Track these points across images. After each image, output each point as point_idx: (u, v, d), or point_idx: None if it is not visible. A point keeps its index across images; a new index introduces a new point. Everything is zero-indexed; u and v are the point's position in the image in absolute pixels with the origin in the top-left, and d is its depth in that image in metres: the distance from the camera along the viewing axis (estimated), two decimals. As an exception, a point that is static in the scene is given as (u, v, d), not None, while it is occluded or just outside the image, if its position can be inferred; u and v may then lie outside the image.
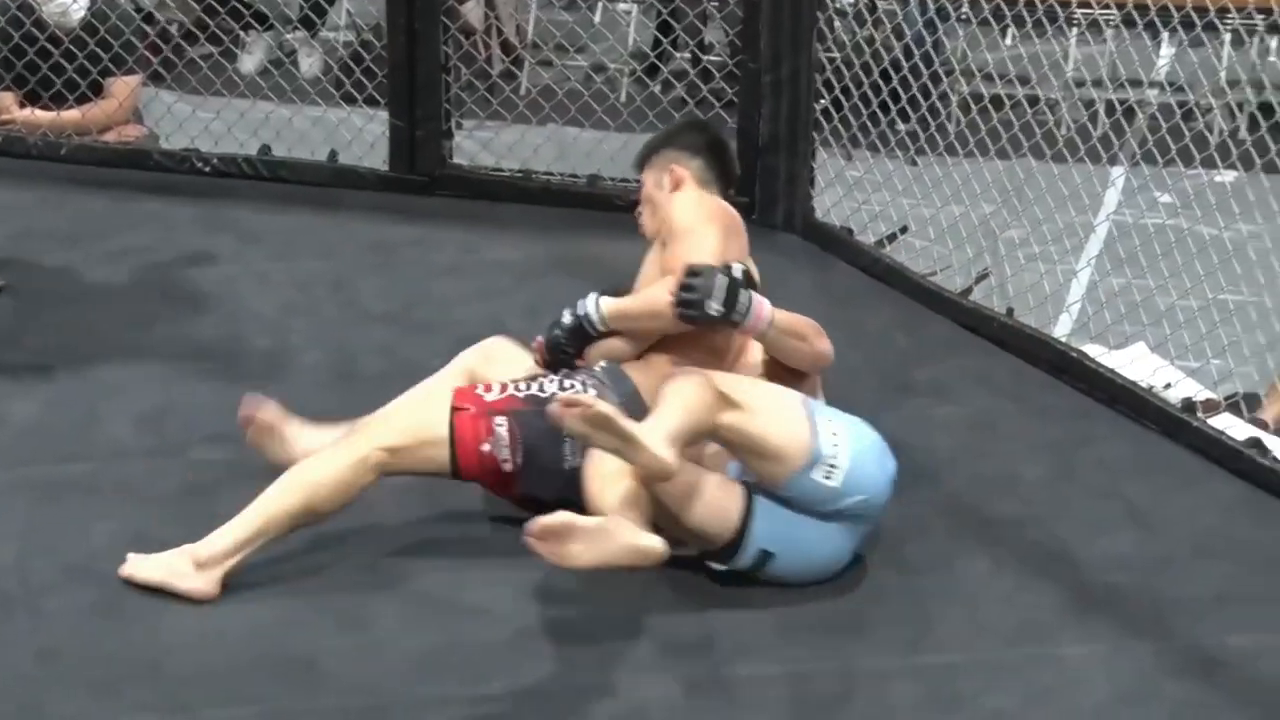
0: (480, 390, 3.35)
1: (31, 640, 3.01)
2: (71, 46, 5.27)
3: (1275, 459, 3.61)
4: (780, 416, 3.09)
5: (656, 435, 2.91)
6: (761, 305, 3.29)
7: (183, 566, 3.13)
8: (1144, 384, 3.94)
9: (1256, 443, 3.66)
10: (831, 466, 3.08)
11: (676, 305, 3.28)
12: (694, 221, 3.45)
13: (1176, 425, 3.80)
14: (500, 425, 3.27)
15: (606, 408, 2.89)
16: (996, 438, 3.83)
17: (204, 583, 3.12)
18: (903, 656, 3.04)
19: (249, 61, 6.60)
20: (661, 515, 3.05)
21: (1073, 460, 3.73)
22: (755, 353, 3.49)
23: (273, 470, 3.54)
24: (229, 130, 5.30)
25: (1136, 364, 4.02)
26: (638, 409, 3.16)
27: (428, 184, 5.13)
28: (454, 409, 3.29)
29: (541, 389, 3.33)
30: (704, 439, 3.06)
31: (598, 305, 3.45)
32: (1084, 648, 3.08)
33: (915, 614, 3.17)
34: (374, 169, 5.17)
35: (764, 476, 3.10)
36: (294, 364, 4.07)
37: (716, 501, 3.10)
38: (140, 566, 3.16)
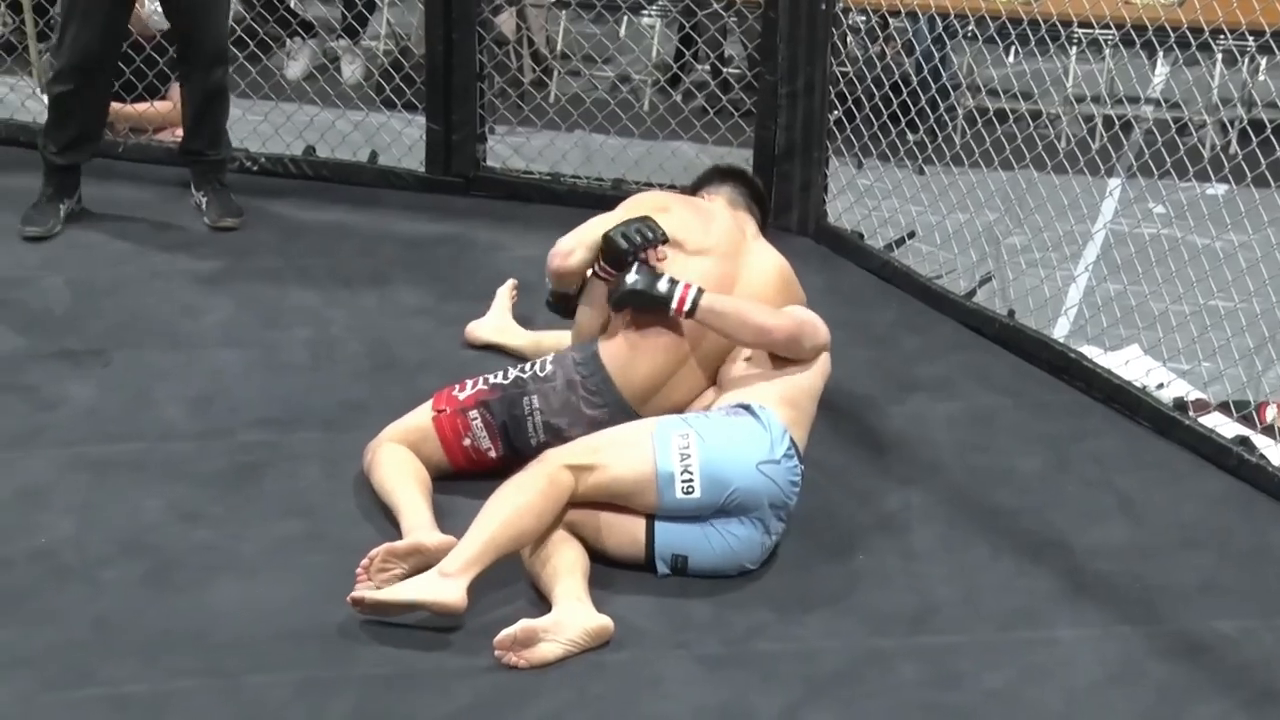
0: (455, 390, 3.46)
1: (86, 609, 3.03)
2: (150, 50, 5.29)
3: (1262, 456, 3.61)
4: (622, 459, 3.16)
5: (434, 586, 2.98)
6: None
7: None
8: (1138, 384, 3.93)
9: (1244, 440, 3.66)
10: (687, 481, 3.12)
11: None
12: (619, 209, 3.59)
13: (1168, 423, 3.80)
14: (475, 419, 3.41)
15: (379, 595, 2.98)
16: (996, 432, 3.82)
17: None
18: (906, 637, 3.05)
19: (294, 68, 6.60)
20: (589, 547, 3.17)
21: (1068, 454, 3.73)
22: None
23: (317, 454, 3.57)
24: (276, 132, 5.31)
25: (1131, 365, 4.01)
26: (596, 369, 3.40)
27: (462, 185, 5.14)
28: (434, 413, 3.43)
29: (505, 375, 3.46)
30: (539, 535, 3.11)
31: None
32: (1076, 631, 3.08)
33: (918, 597, 3.17)
34: (412, 170, 5.19)
35: (642, 509, 3.18)
36: (335, 353, 4.08)
37: (623, 531, 3.18)
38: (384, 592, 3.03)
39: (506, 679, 2.87)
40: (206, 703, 2.80)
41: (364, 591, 2.99)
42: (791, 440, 3.23)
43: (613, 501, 3.18)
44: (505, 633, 2.90)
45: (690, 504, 3.14)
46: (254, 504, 3.39)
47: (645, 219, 3.47)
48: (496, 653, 2.90)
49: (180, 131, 5.35)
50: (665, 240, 3.46)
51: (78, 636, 2.95)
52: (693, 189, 3.82)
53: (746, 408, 3.26)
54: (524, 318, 4.12)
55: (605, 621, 2.99)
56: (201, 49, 4.66)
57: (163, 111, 5.43)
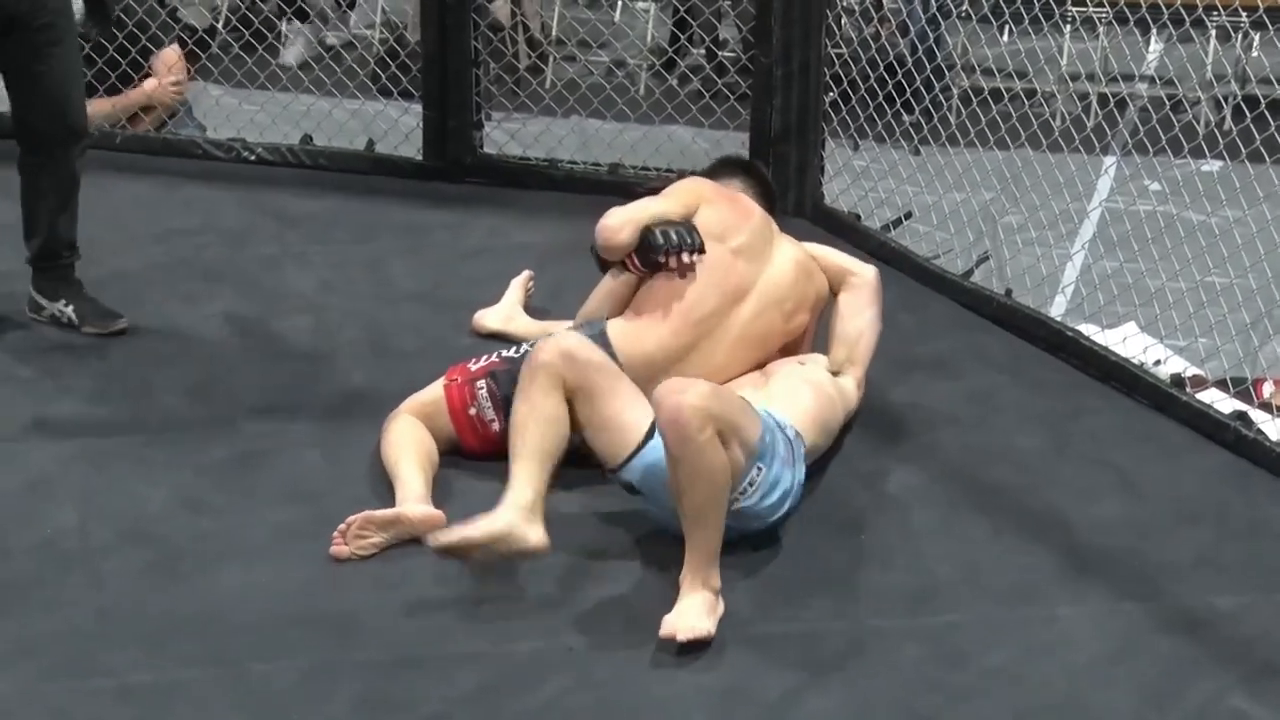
0: (470, 363, 3.50)
1: (90, 598, 3.03)
2: (115, 32, 5.25)
3: (1259, 431, 3.60)
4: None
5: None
6: None
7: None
8: (1135, 361, 3.92)
9: (1241, 415, 3.65)
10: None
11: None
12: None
13: (1165, 399, 3.79)
14: (481, 388, 3.44)
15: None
16: (995, 410, 3.82)
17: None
18: (908, 617, 3.04)
19: (290, 54, 6.58)
20: (584, 415, 3.13)
21: (1067, 432, 3.72)
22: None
23: (318, 441, 3.56)
24: (273, 121, 5.31)
25: (1128, 342, 4.00)
26: (602, 345, 3.36)
27: (459, 171, 5.13)
28: (446, 382, 3.46)
29: (517, 350, 3.49)
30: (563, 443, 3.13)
31: None
32: (1077, 607, 3.08)
33: (919, 577, 3.16)
34: (408, 157, 5.18)
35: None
36: (333, 340, 4.07)
37: (621, 426, 3.13)
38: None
39: (510, 664, 2.87)
40: (211, 690, 2.80)
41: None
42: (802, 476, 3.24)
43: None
44: (442, 541, 2.99)
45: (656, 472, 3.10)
46: (256, 492, 3.38)
47: (690, 225, 3.50)
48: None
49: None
50: (702, 250, 3.48)
51: (82, 626, 2.95)
52: (707, 178, 3.82)
53: (788, 436, 3.22)
54: (539, 310, 4.10)
55: (540, 544, 2.99)
56: (64, 124, 3.90)
57: (147, 91, 5.41)
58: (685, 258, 3.47)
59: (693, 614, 2.91)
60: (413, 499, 3.21)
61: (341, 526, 3.11)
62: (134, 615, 2.98)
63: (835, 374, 3.57)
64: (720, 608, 2.97)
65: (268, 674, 2.84)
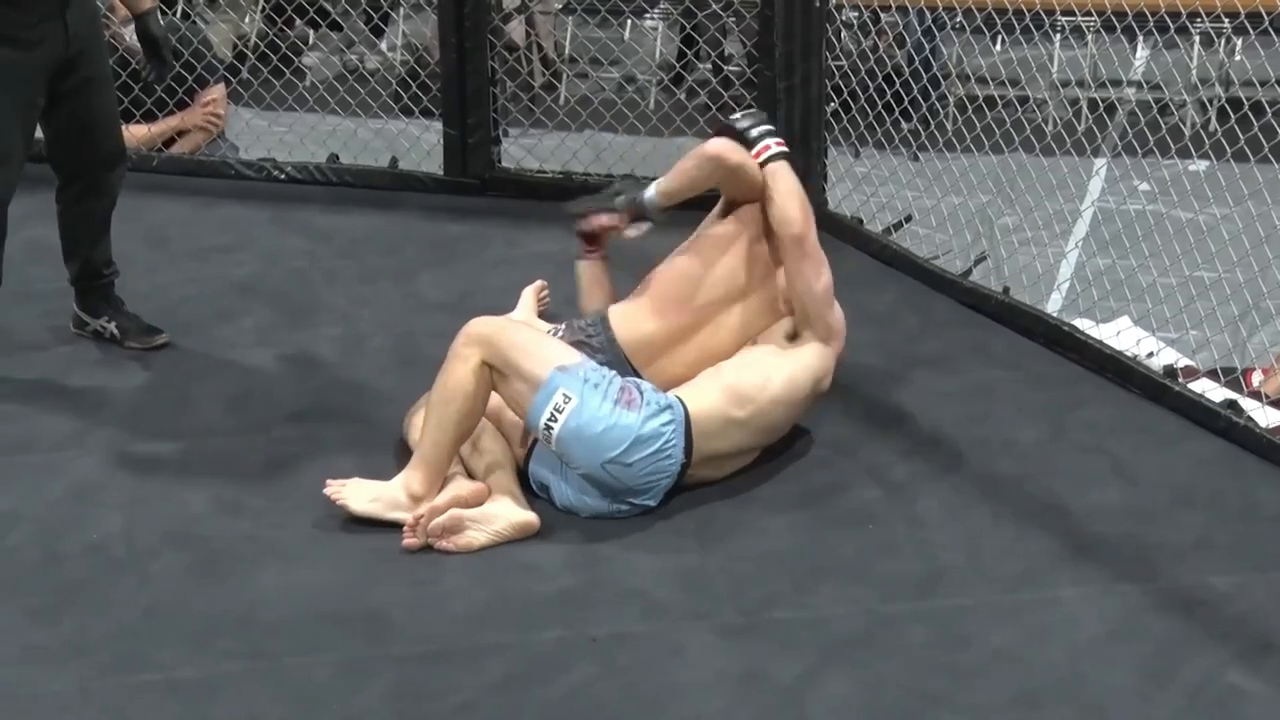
0: None
1: (138, 599, 3.04)
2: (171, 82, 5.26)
3: (1249, 418, 3.60)
4: (517, 385, 3.23)
5: (401, 493, 3.24)
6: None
7: (400, 498, 3.23)
8: (1129, 353, 3.92)
9: (1232, 404, 3.65)
10: (545, 438, 3.22)
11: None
12: None
13: (1159, 390, 3.78)
14: None
15: (355, 507, 3.24)
16: (995, 404, 3.82)
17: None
18: (915, 601, 3.04)
19: (312, 56, 6.59)
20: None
21: (1064, 423, 3.72)
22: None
23: (349, 446, 3.57)
24: (301, 141, 5.31)
25: (1122, 336, 4.00)
26: (602, 329, 3.47)
27: (478, 186, 5.13)
28: None
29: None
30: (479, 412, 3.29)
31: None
32: (1077, 590, 3.07)
33: (926, 563, 3.17)
34: (430, 173, 5.19)
35: None
36: (363, 349, 4.08)
37: (513, 441, 3.38)
38: (353, 498, 3.24)
39: (533, 654, 2.88)
40: (252, 684, 2.81)
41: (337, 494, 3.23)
42: (678, 443, 3.23)
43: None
44: (435, 521, 3.11)
45: (547, 451, 3.26)
46: (292, 495, 3.39)
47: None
48: (430, 540, 3.13)
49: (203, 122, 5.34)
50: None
51: (130, 625, 2.96)
52: None
53: (640, 388, 3.27)
54: (556, 316, 4.10)
55: (531, 517, 3.19)
56: (107, 151, 3.91)
57: (186, 122, 5.43)
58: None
59: (361, 491, 3.23)
60: (455, 478, 3.29)
61: (410, 520, 3.16)
62: (178, 614, 3.00)
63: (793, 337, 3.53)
64: (399, 508, 3.18)
65: (305, 667, 2.85)
